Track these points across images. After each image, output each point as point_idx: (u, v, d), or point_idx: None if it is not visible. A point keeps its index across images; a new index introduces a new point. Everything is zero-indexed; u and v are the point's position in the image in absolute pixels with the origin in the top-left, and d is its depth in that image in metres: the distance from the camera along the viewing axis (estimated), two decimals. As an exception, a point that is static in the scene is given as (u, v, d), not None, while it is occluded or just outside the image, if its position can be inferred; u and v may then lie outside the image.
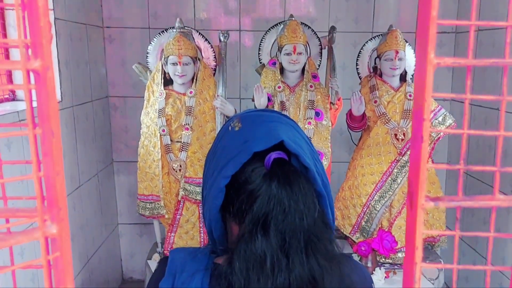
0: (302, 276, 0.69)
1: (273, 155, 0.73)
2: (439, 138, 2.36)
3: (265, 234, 0.69)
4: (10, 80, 2.15)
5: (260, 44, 2.52)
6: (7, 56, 2.04)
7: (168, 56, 2.27)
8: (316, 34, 2.50)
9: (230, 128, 0.80)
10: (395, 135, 2.37)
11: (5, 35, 2.06)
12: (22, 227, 0.36)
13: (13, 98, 2.14)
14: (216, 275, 0.73)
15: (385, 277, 2.29)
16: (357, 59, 2.62)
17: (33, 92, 0.30)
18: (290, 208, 0.70)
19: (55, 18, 2.19)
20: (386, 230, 2.37)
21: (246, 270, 0.69)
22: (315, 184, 0.75)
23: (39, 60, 0.29)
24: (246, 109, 0.87)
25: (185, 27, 2.37)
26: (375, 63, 2.52)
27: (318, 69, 2.48)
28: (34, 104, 0.30)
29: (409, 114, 2.34)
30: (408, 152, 2.28)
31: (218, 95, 2.33)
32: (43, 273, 0.33)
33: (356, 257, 2.38)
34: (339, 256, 0.74)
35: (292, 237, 0.70)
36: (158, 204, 2.36)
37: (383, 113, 2.40)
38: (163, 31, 2.41)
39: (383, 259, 2.42)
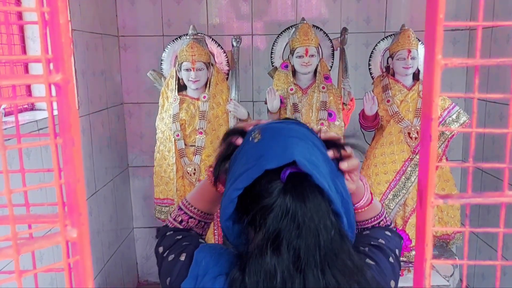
0: None
1: (289, 169, 0.73)
2: (453, 135, 2.35)
3: (276, 250, 0.69)
4: (28, 89, 2.20)
5: (272, 48, 2.53)
6: (26, 66, 2.09)
7: (181, 62, 2.30)
8: (328, 36, 2.50)
9: (250, 139, 0.81)
10: (409, 133, 2.36)
11: (24, 47, 2.11)
12: (41, 233, 0.37)
13: (32, 108, 2.19)
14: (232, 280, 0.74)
15: (400, 275, 2.28)
16: (369, 59, 2.62)
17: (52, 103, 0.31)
18: (304, 224, 0.70)
19: (72, 29, 2.23)
20: (400, 228, 2.36)
21: (256, 284, 0.69)
22: (332, 203, 0.73)
23: (61, 74, 0.30)
24: (268, 122, 0.88)
25: (198, 34, 2.39)
26: (387, 63, 2.51)
27: (330, 70, 2.48)
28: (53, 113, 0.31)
29: (423, 113, 2.33)
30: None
31: (231, 99, 2.35)
32: (64, 276, 0.35)
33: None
34: (360, 268, 0.73)
35: (306, 254, 0.69)
36: (172, 207, 2.38)
37: (396, 112, 2.39)
38: (177, 38, 2.44)
39: (399, 258, 2.41)
